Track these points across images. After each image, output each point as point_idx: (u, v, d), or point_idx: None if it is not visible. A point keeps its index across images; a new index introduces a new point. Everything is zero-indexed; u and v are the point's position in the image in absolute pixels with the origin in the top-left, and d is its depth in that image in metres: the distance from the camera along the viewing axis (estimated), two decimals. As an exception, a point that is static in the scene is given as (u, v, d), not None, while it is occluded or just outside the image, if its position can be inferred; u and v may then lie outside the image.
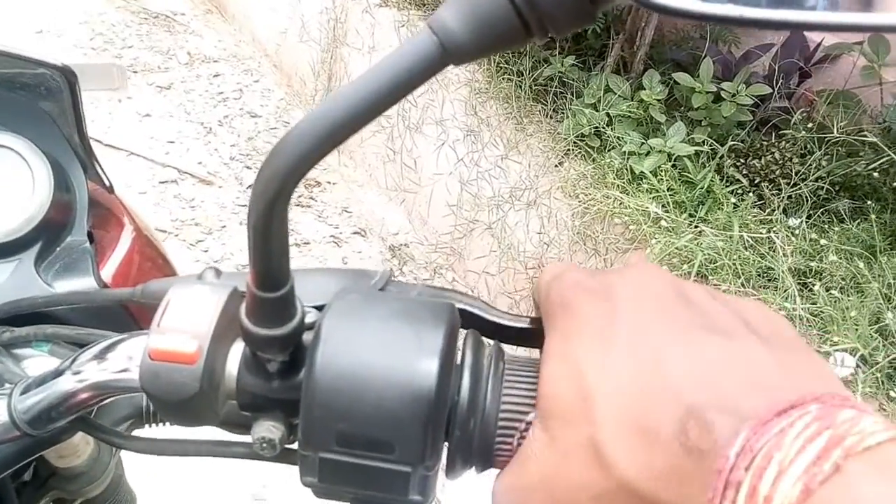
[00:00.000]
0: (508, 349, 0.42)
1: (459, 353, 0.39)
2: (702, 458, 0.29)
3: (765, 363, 0.32)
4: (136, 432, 0.67)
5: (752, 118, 2.61)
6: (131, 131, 3.31)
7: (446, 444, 0.38)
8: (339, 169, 3.49)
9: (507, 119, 2.76)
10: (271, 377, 0.39)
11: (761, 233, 2.23)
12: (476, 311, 0.44)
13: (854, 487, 0.26)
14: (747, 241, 2.21)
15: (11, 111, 0.65)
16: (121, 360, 0.44)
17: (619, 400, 0.31)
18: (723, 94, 2.54)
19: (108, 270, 0.67)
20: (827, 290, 2.11)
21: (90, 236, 0.70)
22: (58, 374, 0.45)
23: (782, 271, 2.12)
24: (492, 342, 0.41)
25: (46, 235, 0.66)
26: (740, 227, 2.25)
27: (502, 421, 0.37)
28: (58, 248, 0.68)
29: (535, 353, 0.41)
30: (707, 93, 2.54)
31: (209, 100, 3.65)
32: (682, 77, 2.60)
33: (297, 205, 3.26)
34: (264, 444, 0.39)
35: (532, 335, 0.42)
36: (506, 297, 2.73)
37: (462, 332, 0.41)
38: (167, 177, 3.15)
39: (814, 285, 2.12)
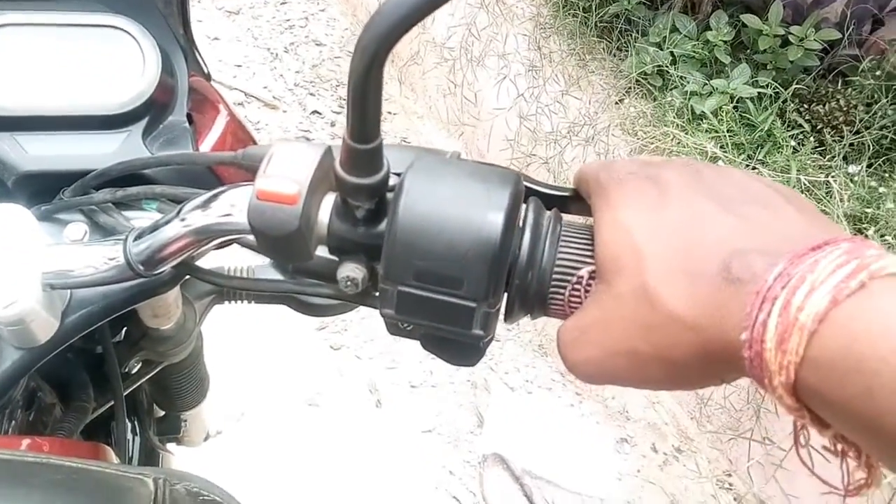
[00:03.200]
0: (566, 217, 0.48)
1: (522, 216, 0.44)
2: (741, 286, 0.33)
3: (799, 220, 0.36)
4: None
5: (819, 64, 2.57)
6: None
7: (506, 292, 0.43)
8: (400, 100, 3.53)
9: (569, 55, 2.76)
10: (358, 223, 0.44)
11: (819, 177, 2.23)
12: (532, 185, 0.49)
13: (876, 300, 0.29)
14: (804, 184, 2.21)
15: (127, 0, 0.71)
16: (224, 207, 0.50)
17: (666, 253, 0.36)
18: (790, 38, 2.51)
19: (204, 147, 0.73)
20: (881, 237, 2.11)
21: (189, 118, 0.76)
22: (167, 221, 0.51)
23: (837, 215, 2.12)
24: (550, 209, 0.46)
25: (153, 112, 0.71)
26: (798, 170, 2.24)
27: (556, 274, 0.42)
28: (161, 126, 0.74)
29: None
30: (774, 36, 2.51)
31: (276, 26, 3.70)
32: (750, 19, 2.57)
33: (358, 133, 3.31)
34: (348, 283, 0.45)
35: (571, 203, 0.48)
36: (558, 232, 2.77)
37: (531, 197, 0.46)
38: (234, 99, 3.23)
39: (868, 231, 2.12)
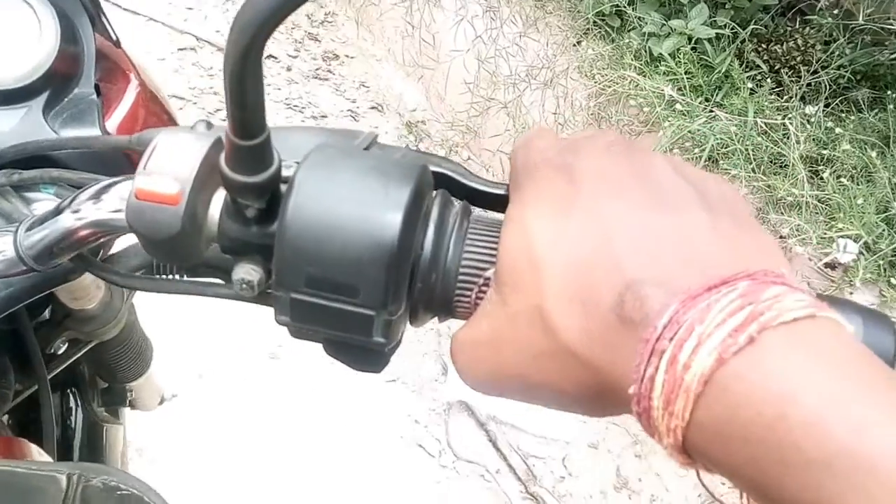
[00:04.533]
0: (482, 211, 0.44)
1: (426, 211, 0.40)
2: (634, 328, 0.30)
3: (709, 239, 0.32)
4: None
5: (777, 3, 2.54)
6: (150, -3, 3.28)
7: (409, 295, 0.40)
8: (358, 42, 3.45)
9: (527, -5, 2.71)
10: (249, 223, 0.41)
11: (776, 119, 2.22)
12: (453, 174, 0.46)
13: (765, 359, 0.27)
14: (761, 126, 2.20)
15: (19, -39, 0.66)
16: (115, 201, 0.47)
17: (566, 271, 0.33)
18: (750, -26, 2.47)
19: (113, 122, 0.70)
20: (837, 178, 2.12)
21: (97, 89, 0.72)
22: (58, 212, 0.48)
23: (794, 158, 2.12)
24: (459, 202, 0.43)
25: (54, 85, 0.68)
26: (756, 112, 2.23)
27: (462, 275, 0.39)
28: (66, 99, 0.70)
29: None
30: (734, -27, 2.47)
31: (227, -33, 3.58)
32: (709, -44, 2.52)
33: (316, 77, 3.25)
34: (244, 285, 0.42)
35: (505, 202, 0.43)
36: (518, 177, 2.76)
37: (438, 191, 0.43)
38: (186, 44, 3.14)
39: (824, 173, 2.12)
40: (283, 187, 0.40)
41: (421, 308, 0.41)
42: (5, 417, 0.83)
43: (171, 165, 0.40)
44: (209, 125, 0.50)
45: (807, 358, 0.27)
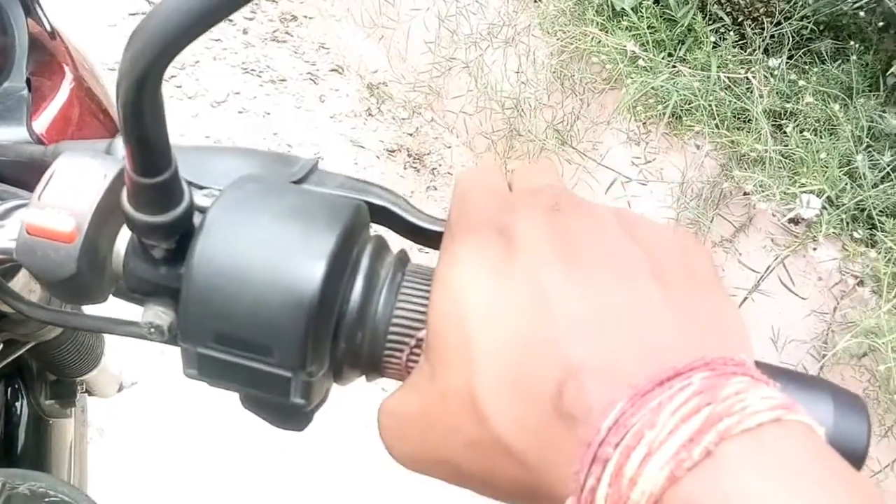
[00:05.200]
0: (424, 258, 0.40)
1: (355, 259, 0.36)
2: (574, 426, 0.26)
3: (661, 316, 0.28)
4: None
5: (741, -49, 2.51)
6: (97, -40, 3.16)
7: (332, 352, 0.36)
8: (316, 2, 3.37)
9: (487, -50, 2.65)
10: (157, 263, 0.37)
11: (740, 73, 2.20)
12: (393, 208, 0.41)
13: (720, 478, 0.23)
14: (725, 81, 2.19)
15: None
16: (16, 227, 0.42)
17: (500, 350, 0.29)
18: (712, -76, 2.43)
19: (43, 121, 0.66)
20: (800, 132, 2.11)
21: (28, 84, 0.69)
22: None
23: (757, 112, 2.11)
24: (395, 251, 0.38)
25: (-23, 80, 0.64)
26: (719, 67, 2.21)
27: (392, 335, 0.35)
28: (-8, 94, 0.67)
29: None
30: (695, -77, 2.43)
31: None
32: None
33: (273, 39, 3.17)
34: (152, 329, 0.38)
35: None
36: (483, 139, 2.73)
37: (373, 234, 0.39)
38: (138, 8, 3.04)
39: (787, 127, 2.11)
40: (199, 219, 0.36)
41: (346, 367, 0.36)
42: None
43: (69, 197, 0.36)
44: None
45: (771, 479, 0.23)
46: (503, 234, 0.32)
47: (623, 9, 2.34)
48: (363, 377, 0.38)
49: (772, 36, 2.35)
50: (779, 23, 2.35)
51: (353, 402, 2.06)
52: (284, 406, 0.36)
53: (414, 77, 2.97)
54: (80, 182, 0.37)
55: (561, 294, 0.29)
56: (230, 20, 3.12)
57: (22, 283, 0.71)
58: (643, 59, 2.23)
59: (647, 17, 2.32)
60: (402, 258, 0.38)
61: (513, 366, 0.28)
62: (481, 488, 0.31)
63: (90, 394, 1.13)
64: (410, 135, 2.92)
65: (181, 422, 1.92)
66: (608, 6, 2.37)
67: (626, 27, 2.32)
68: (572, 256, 0.30)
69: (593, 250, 0.30)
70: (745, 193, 2.06)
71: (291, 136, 2.78)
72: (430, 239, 0.41)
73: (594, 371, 0.27)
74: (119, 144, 0.46)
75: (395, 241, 0.40)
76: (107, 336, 1.07)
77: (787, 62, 2.30)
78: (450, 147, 2.88)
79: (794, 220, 2.01)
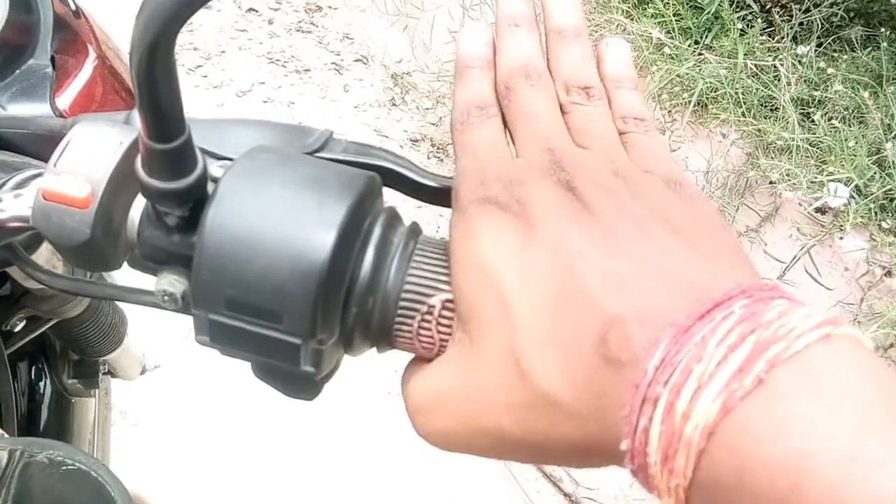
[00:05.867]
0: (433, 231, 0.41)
1: (368, 227, 0.37)
2: (620, 371, 0.26)
3: (685, 258, 0.29)
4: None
5: (769, -62, 2.47)
6: (124, -49, 3.19)
7: (343, 320, 0.36)
8: (341, -8, 3.37)
9: (511, -62, 2.63)
10: (171, 230, 0.37)
11: (767, 61, 2.18)
12: (399, 168, 0.42)
13: (778, 404, 0.23)
14: (752, 69, 2.16)
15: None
16: (33, 195, 0.42)
17: (538, 309, 0.29)
18: (740, -90, 2.41)
19: (66, 98, 0.67)
20: (828, 120, 2.09)
21: (53, 61, 0.69)
22: None
23: (785, 101, 2.08)
24: (407, 223, 0.39)
25: (2, 56, 0.65)
26: (746, 54, 2.19)
27: (403, 301, 0.35)
28: (17, 71, 0.67)
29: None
30: None
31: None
32: None
33: (298, 30, 3.18)
34: (166, 297, 0.38)
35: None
36: (507, 127, 2.71)
37: (385, 206, 0.39)
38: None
39: (815, 115, 2.09)
40: (212, 188, 0.36)
41: (356, 336, 0.37)
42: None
43: (85, 163, 0.37)
44: None
45: (826, 403, 0.23)
46: (518, 205, 0.32)
47: (649, -4, 2.32)
48: (374, 348, 0.38)
49: (800, 23, 2.32)
50: (808, 10, 2.31)
51: (370, 381, 2.07)
52: (295, 374, 0.36)
53: (438, 67, 2.97)
54: (95, 149, 0.37)
55: (586, 253, 0.29)
56: (255, 11, 3.13)
57: (45, 257, 0.72)
58: (669, 47, 2.21)
59: (674, 5, 2.29)
60: (415, 229, 0.38)
61: (553, 325, 0.29)
62: (530, 452, 0.31)
63: (113, 375, 1.14)
64: (434, 125, 2.92)
65: (204, 407, 1.94)
66: (634, -7, 2.36)
67: (652, 14, 2.30)
68: (588, 219, 0.31)
69: (606, 209, 0.31)
70: (770, 182, 2.04)
71: (315, 126, 2.78)
72: (435, 196, 0.42)
73: (633, 316, 0.27)
74: (135, 116, 0.47)
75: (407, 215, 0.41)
76: (130, 318, 1.08)
77: (816, 50, 2.26)
78: (473, 136, 2.87)
79: (821, 210, 1.99)
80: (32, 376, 0.98)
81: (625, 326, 0.27)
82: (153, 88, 0.31)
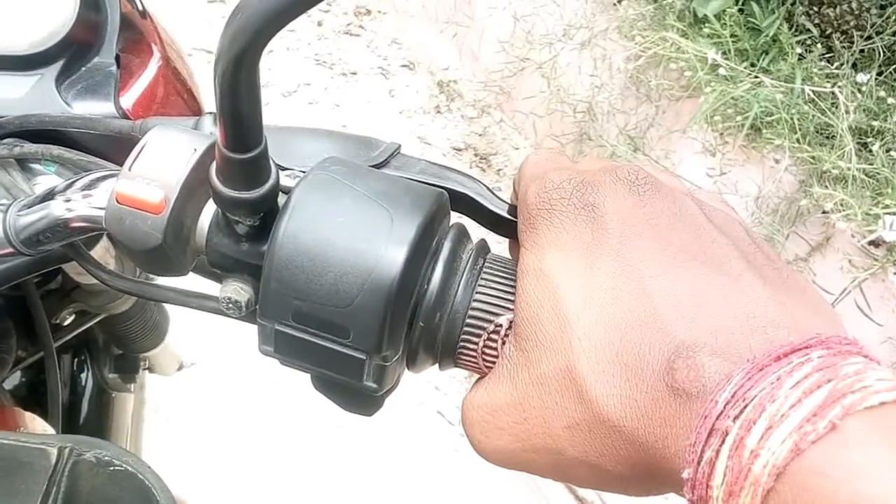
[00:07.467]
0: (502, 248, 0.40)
1: (437, 244, 0.37)
2: (688, 401, 0.26)
3: (758, 294, 0.28)
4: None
5: (831, -38, 2.42)
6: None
7: (409, 336, 0.37)
8: (391, -3, 3.37)
9: (567, -49, 2.61)
10: (240, 239, 0.38)
11: (825, 87, 2.13)
12: (475, 196, 0.42)
13: (850, 452, 0.23)
14: (809, 94, 2.11)
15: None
16: (103, 196, 0.43)
17: (600, 330, 0.29)
18: (803, -68, 2.36)
19: (129, 97, 0.66)
20: (886, 151, 2.03)
21: (118, 60, 0.69)
22: (51, 197, 0.45)
23: (842, 129, 2.03)
24: (475, 241, 0.39)
25: (71, 53, 0.65)
26: (804, 79, 2.14)
27: (470, 319, 0.35)
28: (83, 69, 0.67)
29: None
30: (786, -69, 2.35)
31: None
32: (760, -88, 2.40)
33: (346, 33, 3.18)
34: (230, 305, 0.39)
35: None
36: (552, 141, 2.69)
37: (454, 222, 0.39)
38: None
39: (873, 145, 2.03)
40: (283, 199, 0.36)
41: (421, 352, 0.37)
42: (11, 384, 0.81)
43: (159, 169, 0.37)
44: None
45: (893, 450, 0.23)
46: (588, 213, 0.31)
47: (705, 15, 2.27)
48: (436, 365, 0.38)
49: (861, 50, 2.26)
50: (870, 37, 2.26)
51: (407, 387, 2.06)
52: (356, 389, 0.37)
53: (485, 76, 2.95)
54: (170, 155, 0.37)
55: (657, 272, 0.29)
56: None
57: (98, 255, 0.72)
58: (724, 68, 2.16)
59: (731, 25, 2.25)
60: (483, 246, 0.38)
61: (614, 347, 0.28)
62: (585, 474, 0.30)
63: (151, 371, 1.15)
64: (478, 134, 2.90)
65: (238, 405, 1.93)
66: (690, 12, 2.31)
67: (708, 34, 2.26)
68: (662, 238, 0.30)
69: (681, 229, 0.31)
70: (823, 212, 1.99)
71: (360, 129, 2.78)
72: (512, 230, 0.40)
73: (705, 347, 0.27)
74: (205, 122, 0.47)
75: (475, 233, 0.40)
76: (170, 316, 1.08)
77: (877, 78, 2.21)
78: (517, 149, 2.84)
79: (875, 243, 1.93)
80: (75, 369, 0.98)
81: (695, 356, 0.27)
82: (235, 99, 0.31)
